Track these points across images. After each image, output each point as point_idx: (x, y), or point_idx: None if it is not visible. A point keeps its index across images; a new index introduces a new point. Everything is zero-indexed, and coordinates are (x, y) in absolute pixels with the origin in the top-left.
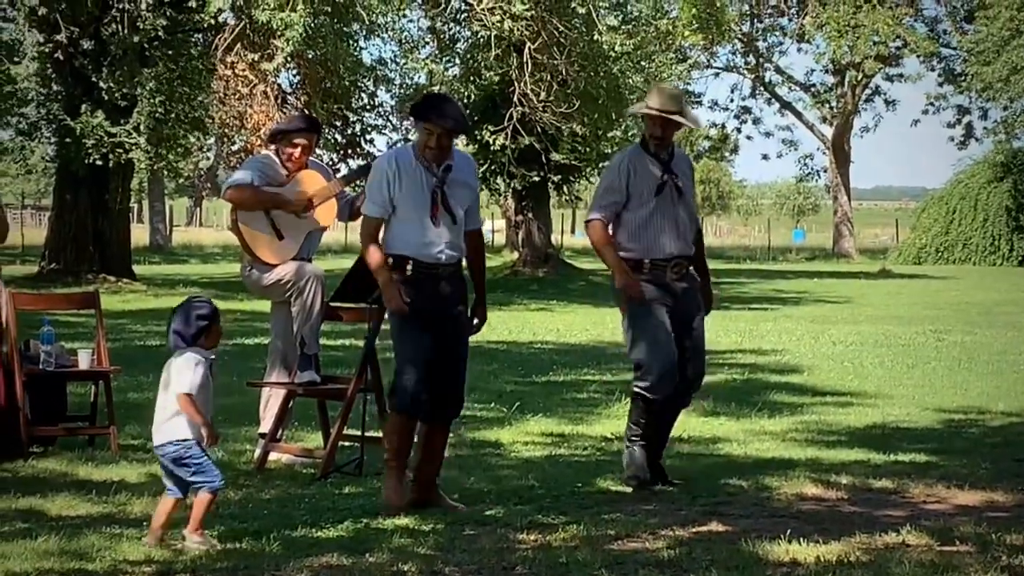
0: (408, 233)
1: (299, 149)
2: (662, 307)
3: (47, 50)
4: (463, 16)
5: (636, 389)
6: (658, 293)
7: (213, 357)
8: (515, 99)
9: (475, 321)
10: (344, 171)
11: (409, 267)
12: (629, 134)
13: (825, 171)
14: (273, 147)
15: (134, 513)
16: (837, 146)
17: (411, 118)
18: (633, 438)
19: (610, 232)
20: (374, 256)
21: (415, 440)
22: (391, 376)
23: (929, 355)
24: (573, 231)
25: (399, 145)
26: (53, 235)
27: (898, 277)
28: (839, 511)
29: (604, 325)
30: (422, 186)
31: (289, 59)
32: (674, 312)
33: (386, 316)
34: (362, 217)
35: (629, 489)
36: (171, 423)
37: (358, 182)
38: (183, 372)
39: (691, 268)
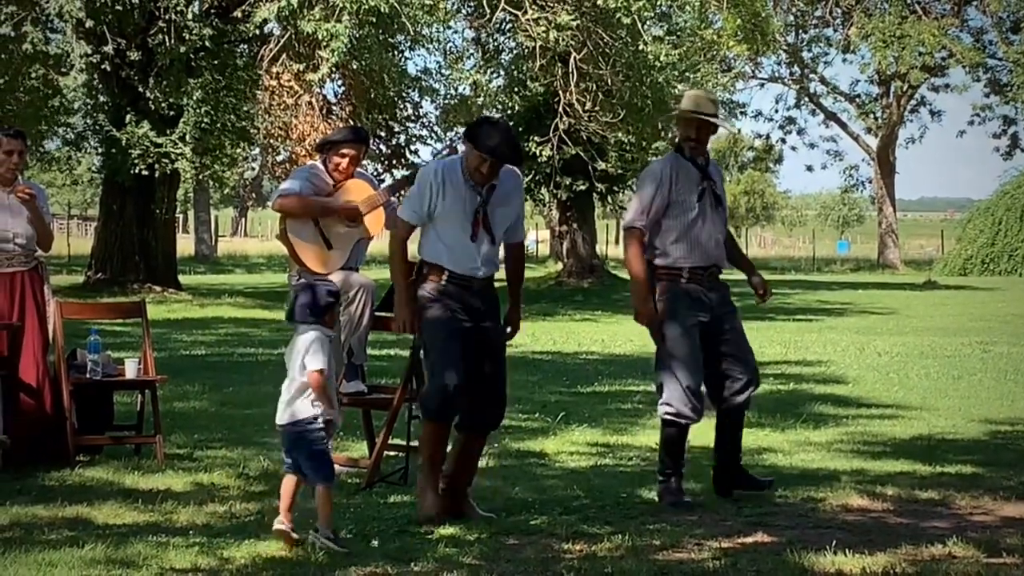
0: (446, 245)
1: (346, 160)
2: (692, 325)
3: (94, 62)
4: (508, 27)
5: (663, 415)
6: (690, 309)
7: (332, 335)
8: (560, 109)
9: (508, 329)
10: (389, 181)
11: (444, 277)
12: (676, 139)
13: (870, 182)
14: (321, 157)
15: (180, 522)
16: (882, 157)
17: (464, 140)
18: (667, 472)
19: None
20: (398, 268)
21: (450, 448)
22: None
23: (975, 367)
24: (617, 242)
25: (447, 156)
26: (99, 245)
27: (943, 288)
28: (885, 522)
29: (649, 336)
30: (465, 203)
31: (334, 70)
32: (710, 322)
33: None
34: (397, 221)
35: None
36: (297, 402)
37: (404, 191)
38: (315, 350)
39: (720, 276)
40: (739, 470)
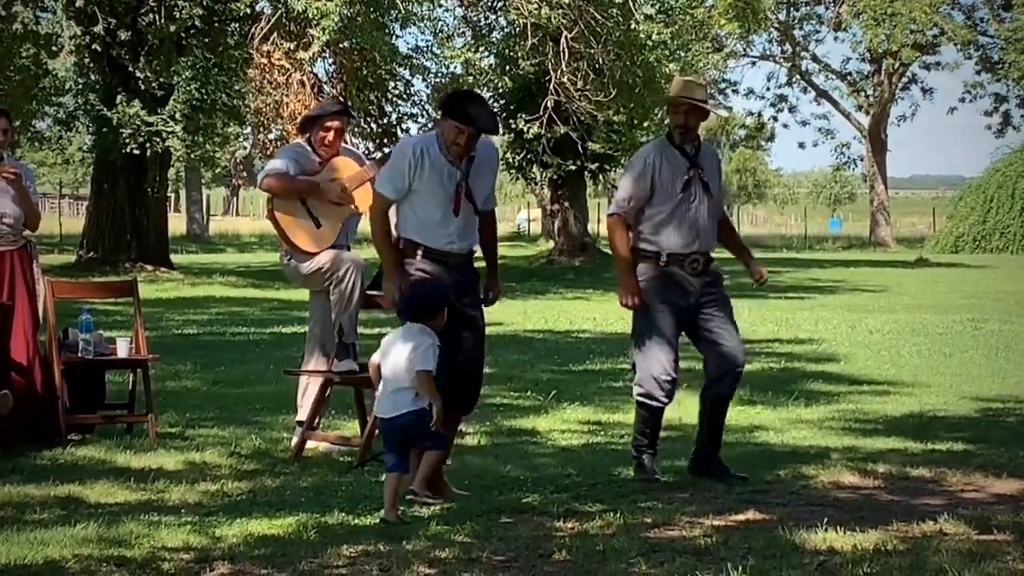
0: (423, 221)
1: (332, 132)
2: (669, 310)
3: (85, 42)
4: (499, 4)
5: (636, 397)
6: (668, 293)
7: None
8: (551, 88)
9: (490, 295)
10: (379, 156)
11: (419, 253)
12: (666, 122)
13: (862, 160)
14: (306, 136)
15: (172, 500)
16: (874, 135)
17: (440, 112)
18: (640, 447)
19: (631, 223)
20: (381, 240)
21: None
22: None
23: (966, 344)
24: None
25: (425, 132)
26: (91, 224)
27: (935, 266)
28: (876, 499)
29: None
30: (444, 177)
31: (325, 48)
32: (691, 308)
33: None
34: (374, 195)
35: (665, 476)
36: (404, 395)
37: None
38: (425, 350)
39: (713, 263)
40: (715, 460)
